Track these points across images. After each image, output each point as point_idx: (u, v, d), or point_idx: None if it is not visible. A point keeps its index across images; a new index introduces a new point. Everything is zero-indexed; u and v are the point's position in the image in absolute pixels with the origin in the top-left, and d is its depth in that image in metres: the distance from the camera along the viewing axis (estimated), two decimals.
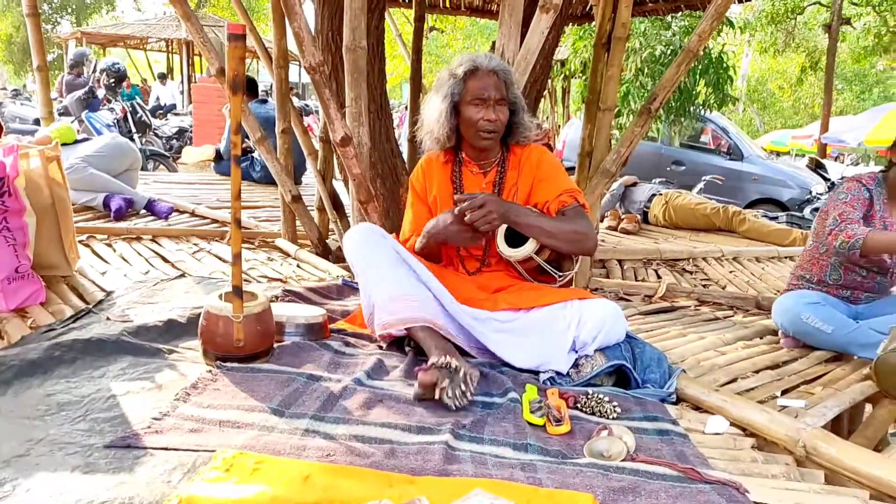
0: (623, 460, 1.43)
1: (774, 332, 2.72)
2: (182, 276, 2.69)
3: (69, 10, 19.51)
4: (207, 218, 4.05)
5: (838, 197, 2.50)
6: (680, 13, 6.96)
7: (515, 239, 2.05)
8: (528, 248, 2.02)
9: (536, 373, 1.93)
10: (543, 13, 2.42)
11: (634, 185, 5.84)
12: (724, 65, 8.28)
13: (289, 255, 3.37)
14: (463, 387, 1.62)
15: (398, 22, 7.01)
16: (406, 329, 1.87)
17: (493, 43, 3.71)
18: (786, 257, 4.48)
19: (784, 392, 2.12)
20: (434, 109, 2.09)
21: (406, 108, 10.82)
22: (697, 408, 1.88)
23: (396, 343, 2.07)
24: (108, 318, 2.09)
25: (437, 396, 1.61)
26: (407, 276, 1.96)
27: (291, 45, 3.52)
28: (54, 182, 2.50)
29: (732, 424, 1.77)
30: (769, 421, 1.73)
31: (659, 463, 1.41)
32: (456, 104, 2.06)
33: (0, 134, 3.12)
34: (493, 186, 2.17)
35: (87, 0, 19.91)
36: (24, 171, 2.38)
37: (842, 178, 8.57)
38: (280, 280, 2.85)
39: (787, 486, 1.43)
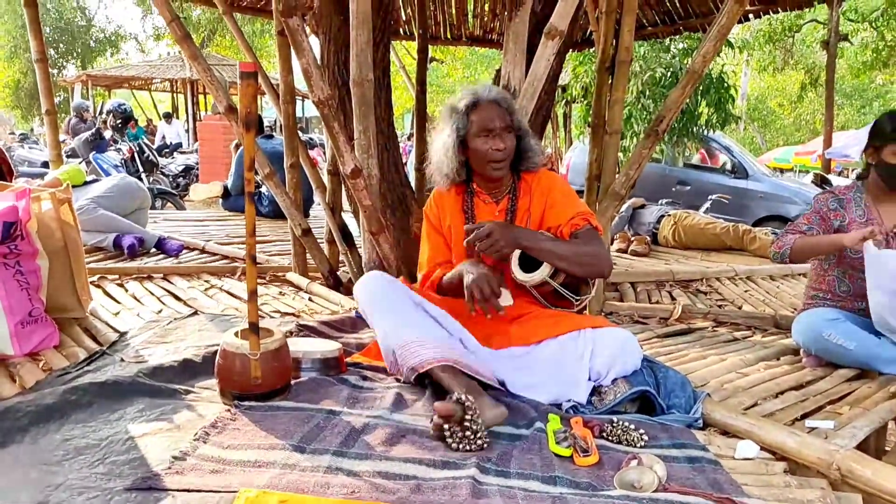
0: (655, 491, 1.39)
1: (795, 352, 2.68)
2: (195, 313, 2.68)
3: (74, 55, 19.80)
4: (217, 254, 4.04)
5: (810, 207, 2.62)
6: (678, 35, 7.01)
7: (530, 264, 2.03)
8: (543, 272, 2.00)
9: (558, 403, 1.90)
10: (549, 39, 2.43)
11: (642, 206, 5.82)
12: (725, 84, 8.33)
13: (300, 289, 3.35)
14: (469, 433, 1.56)
15: (399, 54, 7.09)
16: (428, 371, 1.83)
17: (497, 71, 3.73)
18: (800, 274, 4.43)
19: (807, 413, 2.07)
20: (441, 146, 2.10)
21: (408, 138, 10.89)
22: (725, 432, 1.84)
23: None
24: (122, 360, 2.08)
25: (446, 436, 1.56)
26: (423, 319, 1.94)
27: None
28: (66, 224, 2.51)
29: (762, 448, 1.73)
30: (800, 444, 1.69)
31: (694, 493, 1.37)
32: (463, 138, 2.07)
33: (11, 178, 3.14)
34: (505, 214, 2.16)
35: (91, 44, 20.23)
36: (36, 214, 2.38)
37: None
38: (293, 314, 2.83)
39: None
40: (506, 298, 1.96)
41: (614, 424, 1.70)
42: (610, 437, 1.68)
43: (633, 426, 1.69)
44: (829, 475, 1.57)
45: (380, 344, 2.00)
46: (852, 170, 17.13)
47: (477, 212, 2.16)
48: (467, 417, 1.57)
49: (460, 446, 1.55)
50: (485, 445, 1.56)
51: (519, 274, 2.03)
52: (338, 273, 3.59)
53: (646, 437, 1.67)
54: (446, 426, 1.57)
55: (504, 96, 2.10)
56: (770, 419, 1.92)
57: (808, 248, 2.48)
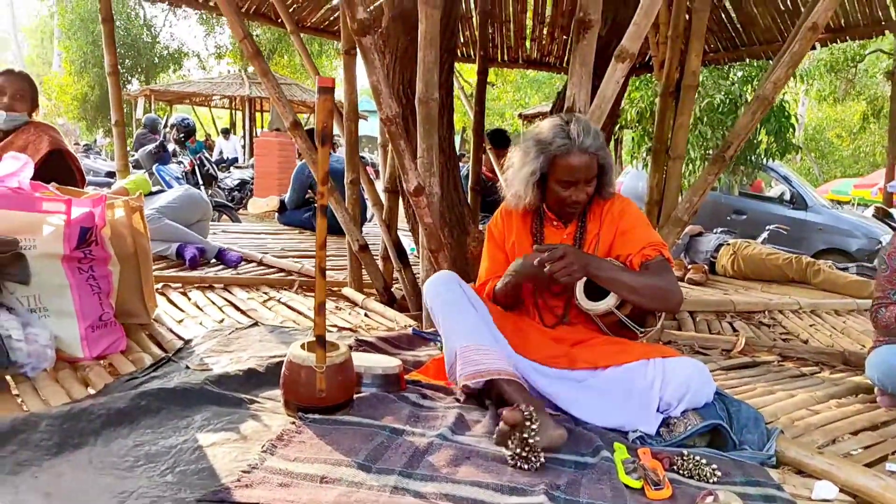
0: None
1: (868, 390, 2.56)
2: (255, 324, 2.71)
3: (139, 70, 20.53)
4: (274, 267, 4.09)
5: (880, 266, 2.46)
6: (739, 63, 6.90)
7: (595, 292, 1.99)
8: (609, 302, 1.96)
9: (623, 431, 1.85)
10: (619, 62, 2.40)
11: (700, 234, 5.69)
12: (786, 113, 8.15)
13: (356, 305, 3.37)
14: (526, 450, 1.54)
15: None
16: (488, 382, 1.82)
17: (559, 93, 3.71)
18: (866, 310, 4.26)
19: (884, 456, 1.97)
20: (521, 177, 2.04)
21: (460, 159, 10.93)
22: (800, 471, 1.76)
23: (475, 396, 2.02)
24: (187, 367, 2.11)
25: (506, 449, 1.57)
26: (484, 332, 1.92)
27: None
28: (137, 232, 2.57)
29: (841, 491, 1.65)
30: (883, 488, 1.60)
31: None
32: (544, 174, 2.02)
33: (83, 186, 3.24)
34: (573, 239, 2.12)
35: (155, 60, 20.95)
36: (110, 220, 2.45)
37: None
38: (350, 329, 2.84)
39: None
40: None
41: (685, 458, 1.64)
42: (681, 471, 1.62)
43: (704, 461, 1.63)
44: None
45: (444, 344, 1.99)
46: None
47: (546, 235, 2.13)
48: (526, 431, 1.54)
49: (518, 463, 1.53)
50: (538, 466, 1.54)
51: (584, 302, 1.99)
52: (392, 290, 3.59)
53: (719, 473, 1.60)
54: (512, 436, 1.56)
55: (599, 144, 1.99)
56: (848, 460, 1.83)
57: None
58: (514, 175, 2.07)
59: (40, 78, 22.42)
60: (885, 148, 14.12)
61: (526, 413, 1.58)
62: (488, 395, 1.96)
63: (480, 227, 3.66)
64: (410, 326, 2.91)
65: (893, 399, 2.40)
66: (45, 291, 2.13)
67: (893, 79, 12.69)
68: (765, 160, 8.25)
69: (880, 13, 4.41)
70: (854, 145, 23.95)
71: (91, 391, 1.93)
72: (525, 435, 1.55)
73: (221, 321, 2.79)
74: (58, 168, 3.13)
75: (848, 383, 2.68)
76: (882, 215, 9.41)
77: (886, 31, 4.95)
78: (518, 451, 1.54)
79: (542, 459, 1.55)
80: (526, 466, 1.53)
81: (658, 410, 1.84)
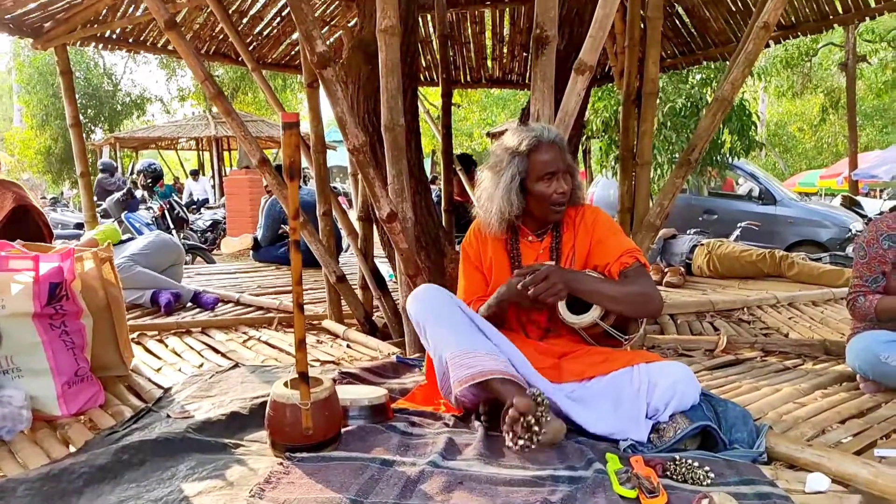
0: None
1: (851, 378, 2.58)
2: (236, 366, 2.67)
3: (102, 119, 20.36)
4: (252, 306, 4.05)
5: (857, 253, 2.49)
6: (697, 66, 7.04)
7: (577, 305, 1.99)
8: (593, 314, 1.97)
9: (613, 440, 1.84)
10: (579, 75, 2.43)
11: (673, 237, 5.75)
12: (747, 111, 8.31)
13: (337, 337, 3.34)
14: (536, 428, 1.65)
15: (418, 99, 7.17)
16: (482, 384, 1.80)
17: (523, 109, 3.75)
18: (842, 299, 4.32)
19: (873, 443, 1.98)
20: (499, 189, 2.04)
21: (432, 182, 10.96)
22: (792, 466, 1.77)
23: (462, 418, 2.01)
24: (168, 416, 2.07)
25: (507, 432, 1.67)
26: (477, 335, 1.90)
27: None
28: (108, 283, 2.54)
29: (833, 481, 1.65)
30: (874, 475, 1.61)
31: None
32: (523, 181, 2.03)
33: (51, 240, 3.20)
34: (549, 252, 2.12)
35: (118, 108, 20.81)
36: (80, 273, 2.42)
37: (867, 220, 8.33)
38: (333, 362, 2.81)
39: None
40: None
41: (677, 462, 1.64)
42: (674, 476, 1.61)
43: (697, 463, 1.63)
44: None
45: (431, 356, 1.98)
46: (880, 190, 16.89)
47: (522, 251, 2.13)
48: (539, 411, 1.65)
49: (523, 442, 1.64)
50: (540, 439, 1.66)
51: (568, 317, 1.99)
52: (373, 319, 3.57)
53: (712, 475, 1.60)
54: (522, 420, 1.65)
55: (561, 136, 2.07)
56: (837, 449, 1.84)
57: (892, 309, 2.37)
58: (492, 193, 2.06)
59: (1, 135, 22.17)
60: (846, 137, 14.46)
61: (534, 393, 1.69)
62: (478, 416, 1.95)
63: (457, 248, 3.66)
64: (394, 354, 2.89)
65: (876, 385, 2.43)
66: (18, 351, 2.09)
67: (847, 70, 13.03)
68: (730, 159, 8.39)
69: (827, 8, 4.52)
70: (816, 137, 24.47)
71: (72, 449, 1.88)
72: (538, 414, 1.65)
73: (201, 366, 2.75)
74: (24, 224, 3.09)
75: (831, 373, 2.71)
76: (849, 203, 9.59)
77: (835, 25, 5.07)
78: (524, 433, 1.64)
79: (540, 438, 1.66)
80: (529, 445, 1.65)
81: (647, 416, 1.84)
